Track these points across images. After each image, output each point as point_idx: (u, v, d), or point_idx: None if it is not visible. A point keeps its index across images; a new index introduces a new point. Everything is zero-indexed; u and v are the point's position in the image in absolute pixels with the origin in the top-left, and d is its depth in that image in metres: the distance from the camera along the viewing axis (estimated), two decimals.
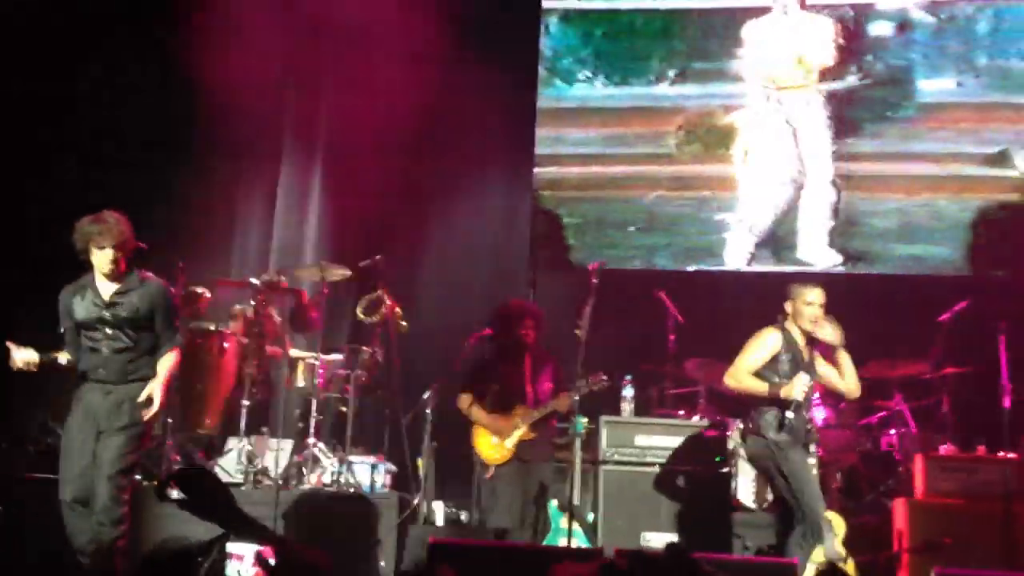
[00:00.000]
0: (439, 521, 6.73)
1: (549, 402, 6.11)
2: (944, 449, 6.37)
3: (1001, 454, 6.24)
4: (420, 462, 6.55)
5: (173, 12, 7.91)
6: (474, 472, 6.45)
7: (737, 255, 8.37)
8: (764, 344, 5.59)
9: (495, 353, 6.41)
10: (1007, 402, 6.41)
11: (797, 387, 5.41)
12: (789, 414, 5.41)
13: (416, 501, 6.41)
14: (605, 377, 6.06)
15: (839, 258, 8.14)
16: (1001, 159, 8.08)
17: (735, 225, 8.38)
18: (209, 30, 7.72)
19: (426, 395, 6.64)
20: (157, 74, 8.03)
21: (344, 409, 6.89)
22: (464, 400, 6.29)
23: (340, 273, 7.04)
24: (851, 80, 8.37)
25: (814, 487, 5.54)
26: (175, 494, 3.07)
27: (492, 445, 6.22)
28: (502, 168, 8.69)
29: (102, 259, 5.03)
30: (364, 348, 7.02)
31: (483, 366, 6.41)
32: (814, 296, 5.55)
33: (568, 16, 8.87)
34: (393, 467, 6.76)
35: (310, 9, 8.27)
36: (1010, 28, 8.25)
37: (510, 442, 6.16)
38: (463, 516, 6.89)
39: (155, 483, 6.12)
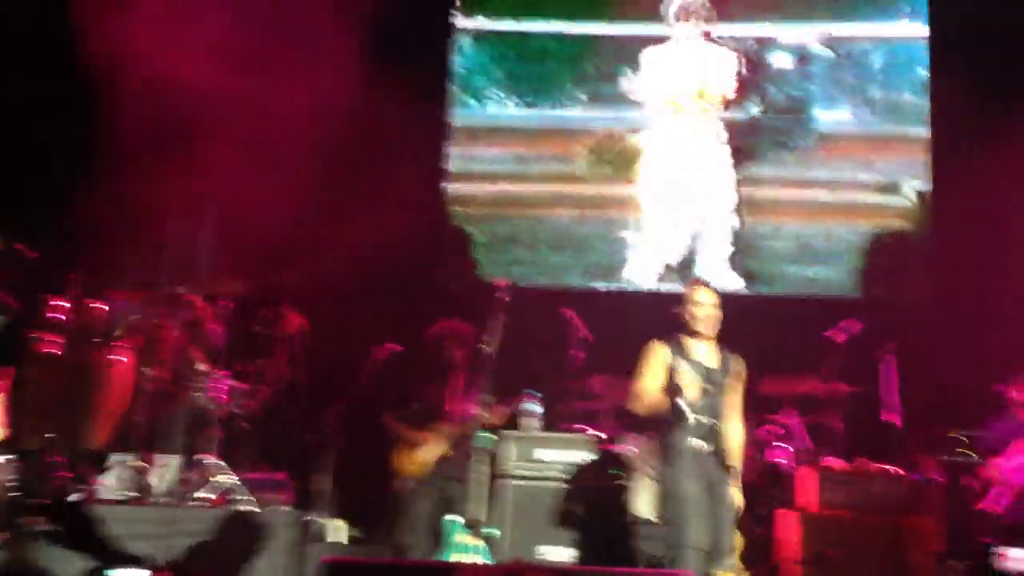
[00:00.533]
0: (340, 539, 6.68)
1: (472, 420, 6.17)
2: (835, 462, 6.58)
3: (889, 469, 6.48)
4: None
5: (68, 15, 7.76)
6: (383, 488, 6.49)
7: (643, 274, 8.58)
8: (646, 359, 5.41)
9: (423, 369, 6.48)
10: (890, 419, 6.66)
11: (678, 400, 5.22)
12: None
13: (316, 519, 6.40)
14: (521, 403, 6.29)
15: (741, 281, 8.40)
16: (891, 188, 8.44)
17: (640, 245, 8.59)
18: (109, 33, 7.61)
19: (330, 410, 6.64)
20: (52, 77, 7.88)
21: (244, 425, 6.81)
22: (388, 414, 6.34)
23: (243, 286, 6.98)
24: (752, 109, 8.67)
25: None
26: (44, 527, 2.97)
27: (410, 460, 6.27)
28: (412, 184, 8.73)
29: None
30: (266, 363, 6.98)
31: (409, 382, 6.47)
32: (701, 296, 5.37)
33: (481, 36, 9.00)
34: (293, 484, 6.73)
35: (215, 23, 8.21)
36: (902, 63, 8.63)
37: (427, 458, 6.24)
38: (367, 534, 6.88)
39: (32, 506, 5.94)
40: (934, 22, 8.56)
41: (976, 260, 7.95)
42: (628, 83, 8.77)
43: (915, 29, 8.64)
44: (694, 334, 5.33)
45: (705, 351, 5.35)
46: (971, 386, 7.19)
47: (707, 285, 5.47)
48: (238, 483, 6.41)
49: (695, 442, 5.22)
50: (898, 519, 6.11)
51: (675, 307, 5.47)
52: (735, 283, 8.39)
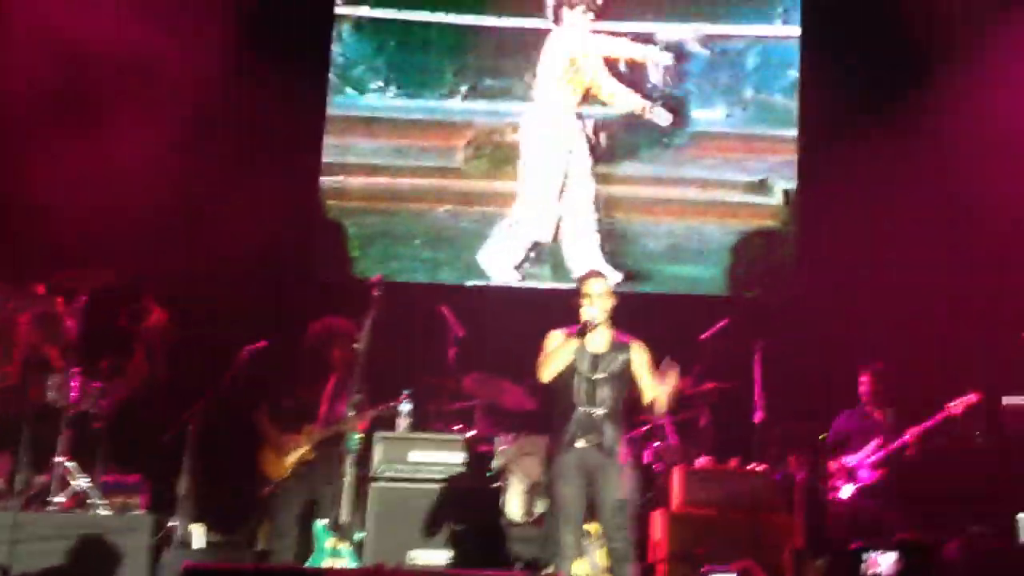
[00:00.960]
0: (200, 544, 6.48)
1: (338, 422, 6.08)
2: (701, 462, 6.69)
3: (752, 467, 6.61)
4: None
5: None
6: (247, 491, 6.36)
7: (506, 270, 8.54)
8: (546, 346, 5.37)
9: (298, 369, 6.39)
10: (759, 417, 6.78)
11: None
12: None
13: (173, 523, 6.24)
14: (393, 404, 6.23)
15: (619, 275, 8.42)
16: (761, 187, 8.57)
17: (513, 241, 8.55)
18: None
19: (190, 410, 6.48)
20: None
21: (98, 424, 6.56)
22: (259, 414, 6.23)
23: (101, 279, 6.71)
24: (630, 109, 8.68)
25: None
26: None
27: (273, 461, 6.17)
28: (286, 175, 8.54)
29: None
30: (124, 360, 6.76)
31: (282, 381, 6.37)
32: (591, 287, 5.37)
33: (361, 24, 8.83)
34: (150, 487, 6.55)
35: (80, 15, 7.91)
36: (775, 64, 8.73)
37: (289, 460, 6.14)
38: (230, 538, 6.74)
39: None
40: (805, 24, 8.69)
41: (841, 258, 8.14)
42: (523, 82, 8.69)
43: (788, 30, 8.75)
44: (587, 325, 5.31)
45: (599, 342, 5.35)
46: (836, 383, 7.35)
47: (599, 275, 5.50)
48: (91, 486, 6.20)
49: (578, 442, 5.24)
50: (759, 516, 6.22)
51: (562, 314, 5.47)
52: (613, 275, 8.41)
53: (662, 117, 8.62)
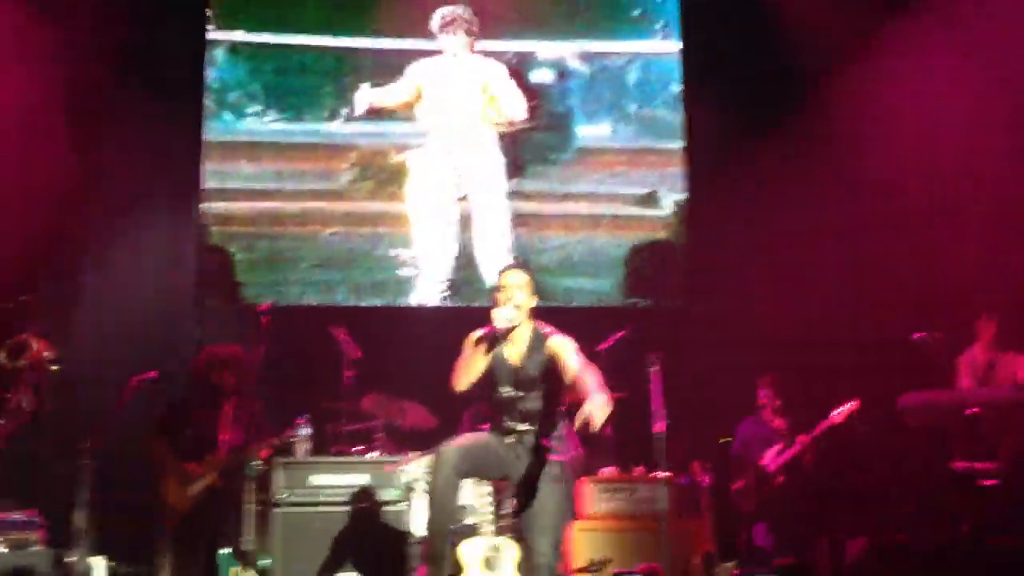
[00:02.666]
0: None
1: (239, 449, 5.93)
2: (605, 472, 6.70)
3: (657, 474, 6.64)
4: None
5: None
6: (148, 521, 6.15)
7: (426, 292, 8.48)
8: (465, 348, 5.05)
9: (192, 397, 6.29)
10: (660, 426, 6.81)
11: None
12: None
13: (72, 557, 5.99)
14: (291, 430, 6.13)
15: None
16: (650, 200, 8.71)
17: (417, 263, 8.50)
18: None
19: (84, 443, 6.23)
20: None
21: None
22: (155, 443, 6.10)
23: None
24: (517, 123, 8.74)
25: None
26: None
27: (177, 491, 6.05)
28: (166, 203, 8.33)
29: None
30: (8, 395, 6.50)
31: (179, 410, 6.25)
32: (505, 277, 5.09)
33: (236, 49, 8.67)
34: (47, 522, 6.28)
35: None
36: (656, 79, 8.89)
37: (194, 489, 6.03)
38: (132, 570, 6.51)
39: None
40: (686, 38, 8.88)
41: (730, 267, 8.31)
42: (400, 97, 8.64)
43: (668, 46, 8.94)
44: (500, 332, 4.97)
45: (516, 349, 5.05)
46: (733, 389, 7.47)
47: (518, 267, 5.19)
48: None
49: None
50: (667, 523, 6.24)
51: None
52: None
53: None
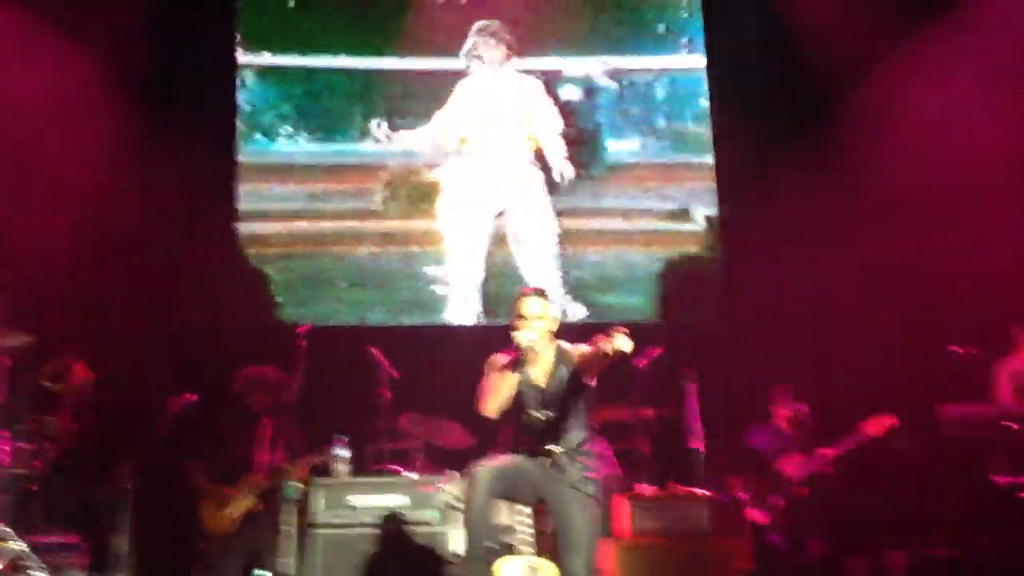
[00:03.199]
0: None
1: (280, 470, 5.95)
2: (646, 489, 6.67)
3: (696, 492, 6.61)
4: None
5: None
6: (187, 545, 6.17)
7: (461, 311, 8.51)
8: (487, 372, 5.05)
9: (230, 419, 6.31)
10: (697, 444, 6.80)
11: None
12: None
13: None
14: (329, 450, 6.14)
15: (584, 310, 8.44)
16: (682, 215, 8.72)
17: (450, 280, 8.53)
18: None
19: (124, 467, 6.28)
20: None
21: (31, 486, 6.31)
22: (193, 467, 6.12)
23: (21, 339, 6.50)
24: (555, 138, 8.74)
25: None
26: None
27: (216, 516, 6.07)
28: (202, 225, 8.39)
29: None
30: (51, 418, 6.55)
31: (216, 432, 6.29)
32: (523, 307, 5.06)
33: (265, 72, 8.76)
34: (88, 547, 6.32)
35: None
36: (684, 94, 8.92)
37: (235, 513, 6.05)
38: None
39: None
40: (711, 53, 8.88)
41: (764, 281, 8.28)
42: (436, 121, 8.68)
43: (694, 60, 8.95)
44: (524, 354, 4.98)
45: (541, 371, 5.05)
46: (767, 404, 7.43)
47: (539, 294, 5.14)
48: (27, 549, 5.94)
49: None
50: (707, 541, 6.22)
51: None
52: (581, 313, 8.46)
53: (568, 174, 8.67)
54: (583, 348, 5.02)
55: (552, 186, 8.69)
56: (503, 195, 8.65)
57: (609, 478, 6.83)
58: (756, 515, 6.82)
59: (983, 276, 7.70)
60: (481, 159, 8.70)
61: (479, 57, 8.78)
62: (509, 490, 5.06)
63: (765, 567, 6.32)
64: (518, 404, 5.08)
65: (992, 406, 6.74)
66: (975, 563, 5.87)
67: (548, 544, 5.89)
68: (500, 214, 8.64)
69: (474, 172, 8.68)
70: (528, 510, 5.26)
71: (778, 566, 6.55)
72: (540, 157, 8.70)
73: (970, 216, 7.94)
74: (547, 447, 5.04)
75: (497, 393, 4.98)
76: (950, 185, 7.98)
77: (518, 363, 4.99)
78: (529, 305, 5.07)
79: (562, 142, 8.73)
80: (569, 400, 5.03)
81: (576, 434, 5.07)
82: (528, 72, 8.84)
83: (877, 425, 6.73)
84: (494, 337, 5.57)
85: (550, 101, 8.78)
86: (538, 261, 8.57)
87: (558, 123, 8.75)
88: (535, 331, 5.01)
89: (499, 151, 8.71)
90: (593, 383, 5.12)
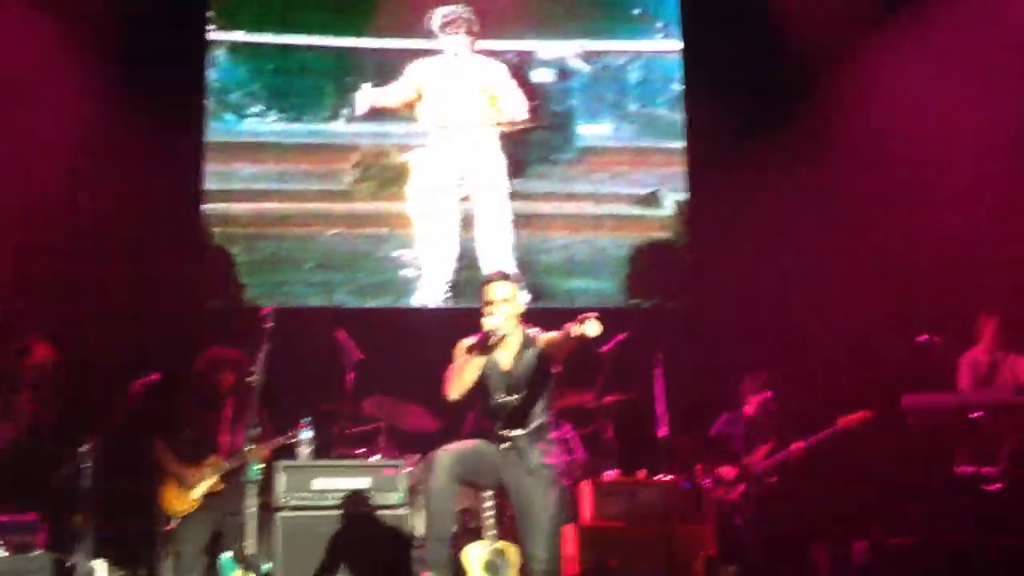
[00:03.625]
0: None
1: (243, 452, 5.90)
2: (608, 475, 6.68)
3: (660, 477, 6.63)
4: None
5: None
6: (148, 525, 6.15)
7: (428, 293, 8.47)
8: (455, 357, 5.08)
9: (193, 400, 6.28)
10: (663, 429, 6.80)
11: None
12: None
13: (73, 561, 5.99)
14: (293, 432, 6.11)
15: (527, 296, 8.35)
16: (651, 200, 8.69)
17: (419, 264, 8.48)
18: None
19: (85, 446, 6.22)
20: None
21: None
22: (156, 446, 6.09)
23: None
24: (519, 124, 8.72)
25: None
26: None
27: (176, 495, 6.04)
28: (168, 204, 8.31)
29: None
30: (11, 397, 6.49)
31: (180, 412, 6.26)
32: (490, 292, 5.08)
33: (236, 49, 8.65)
34: (47, 525, 6.26)
35: None
36: (657, 79, 8.87)
37: (196, 493, 6.04)
38: (133, 573, 6.49)
39: None
40: (686, 38, 8.85)
41: (732, 267, 8.29)
42: (401, 97, 8.62)
43: (668, 44, 8.91)
44: (489, 337, 4.98)
45: (508, 355, 5.07)
46: (734, 390, 7.44)
47: (504, 277, 5.14)
48: None
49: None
50: (670, 526, 6.20)
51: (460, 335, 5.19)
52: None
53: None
54: (551, 334, 5.03)
55: (519, 171, 8.65)
56: (468, 179, 8.60)
57: (571, 464, 6.85)
58: (720, 501, 6.84)
59: (955, 264, 7.74)
60: (447, 143, 8.63)
61: (442, 46, 8.71)
62: (470, 473, 5.06)
63: (728, 553, 6.32)
64: (483, 388, 5.10)
65: (954, 395, 6.77)
66: (937, 553, 5.90)
67: (511, 528, 5.94)
68: (465, 198, 8.59)
69: (439, 156, 8.62)
70: (490, 494, 5.26)
71: (741, 552, 6.56)
72: (505, 142, 8.64)
73: (948, 201, 7.98)
74: (507, 432, 5.04)
75: (461, 377, 4.99)
76: (923, 173, 8.02)
77: (484, 347, 4.99)
78: (495, 289, 5.08)
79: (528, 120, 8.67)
80: (534, 385, 5.05)
81: (538, 420, 5.08)
82: (501, 53, 8.76)
83: (851, 419, 6.74)
84: (461, 320, 5.55)
85: (515, 84, 8.70)
86: (496, 247, 8.52)
87: (523, 106, 8.68)
88: (501, 315, 5.02)
89: (462, 136, 8.64)
90: (558, 369, 5.13)
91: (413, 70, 8.65)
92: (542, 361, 5.05)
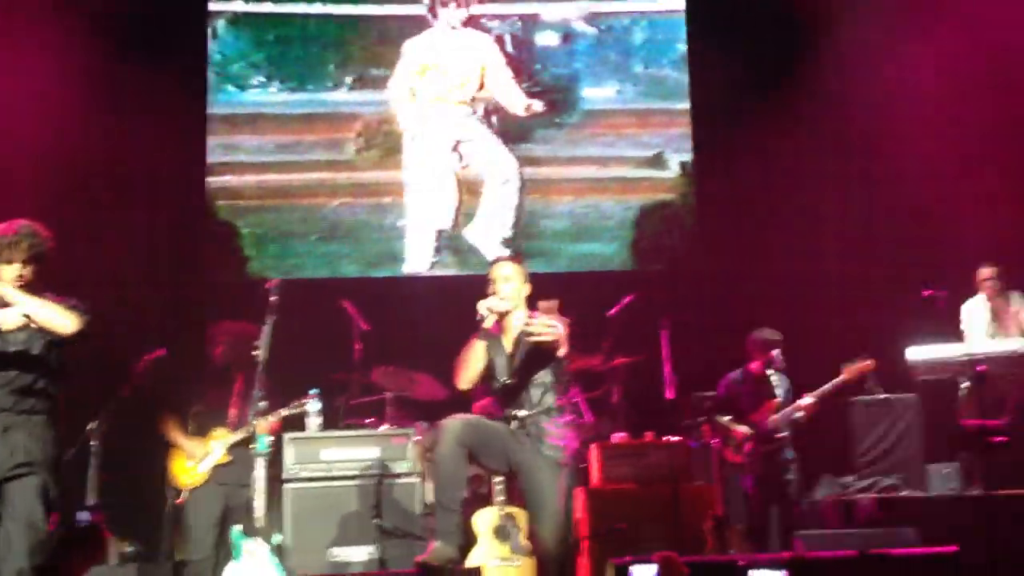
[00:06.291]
0: (112, 556, 6.30)
1: (251, 424, 5.92)
2: (616, 437, 6.68)
3: (666, 439, 6.62)
4: None
5: None
6: (159, 499, 6.18)
7: (416, 260, 8.45)
8: (467, 346, 5.05)
9: (201, 374, 6.30)
10: (670, 391, 6.79)
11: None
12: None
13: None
14: (301, 403, 6.09)
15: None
16: (657, 161, 8.64)
17: (409, 230, 8.47)
18: None
19: (92, 424, 6.26)
20: None
21: None
22: (166, 421, 6.10)
23: None
24: (522, 87, 8.66)
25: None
26: None
27: (186, 469, 6.05)
28: (171, 177, 8.31)
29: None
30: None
31: (188, 387, 6.26)
32: (493, 271, 5.10)
33: (237, 19, 8.61)
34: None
35: None
36: (663, 39, 8.79)
37: (204, 466, 6.05)
38: (144, 549, 6.53)
39: None
40: None
41: (737, 228, 8.25)
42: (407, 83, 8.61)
43: (672, 3, 8.81)
44: (489, 316, 4.95)
45: (510, 331, 5.06)
46: (740, 350, 7.41)
47: (507, 260, 5.18)
48: None
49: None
50: (678, 487, 6.20)
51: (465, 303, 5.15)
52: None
53: (538, 107, 8.58)
54: (548, 320, 5.00)
55: (524, 136, 8.59)
56: (464, 150, 8.55)
57: (574, 448, 6.85)
58: (728, 461, 6.84)
59: (956, 219, 7.68)
60: (441, 115, 8.57)
61: (436, 18, 8.65)
62: (479, 445, 5.02)
63: (735, 513, 6.33)
64: (490, 372, 5.08)
65: (959, 347, 6.71)
66: (941, 509, 5.91)
67: (521, 496, 5.94)
68: (465, 167, 8.56)
69: (435, 127, 8.56)
70: None
71: (748, 512, 6.57)
72: (493, 112, 8.59)
73: (949, 157, 7.92)
74: (514, 412, 5.03)
75: (467, 365, 5.01)
76: (926, 131, 7.95)
77: (488, 332, 4.99)
78: (498, 269, 5.10)
79: (518, 89, 8.61)
80: (533, 366, 5.01)
81: (546, 401, 5.03)
82: (505, 16, 8.68)
83: (854, 369, 6.71)
84: (467, 288, 5.57)
85: (501, 55, 8.64)
86: (497, 216, 8.50)
87: (508, 74, 8.62)
88: (504, 295, 5.02)
89: (457, 108, 8.59)
90: (565, 352, 5.04)
91: (409, 48, 8.59)
92: (540, 343, 4.96)
